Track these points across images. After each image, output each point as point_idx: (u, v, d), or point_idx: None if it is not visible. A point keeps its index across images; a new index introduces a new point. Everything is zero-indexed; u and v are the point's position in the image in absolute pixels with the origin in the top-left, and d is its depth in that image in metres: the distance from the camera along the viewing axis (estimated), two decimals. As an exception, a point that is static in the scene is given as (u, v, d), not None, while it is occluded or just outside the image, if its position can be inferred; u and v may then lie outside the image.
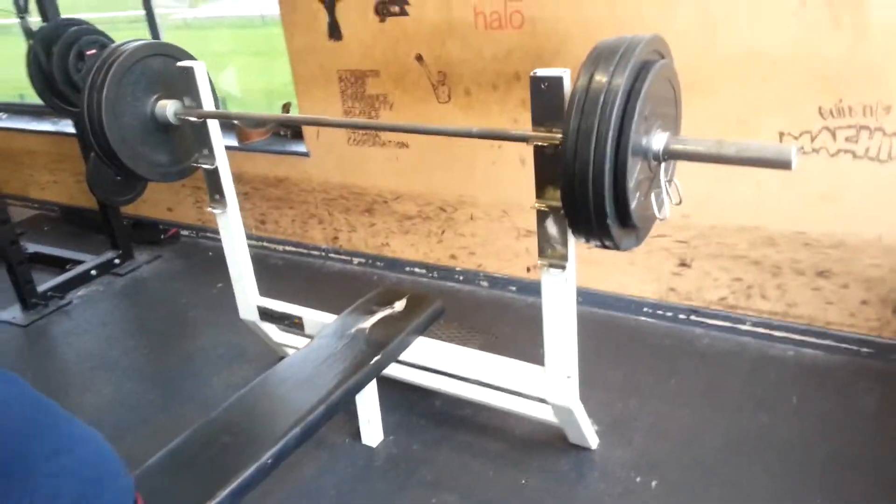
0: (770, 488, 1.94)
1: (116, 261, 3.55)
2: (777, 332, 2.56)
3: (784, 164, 1.37)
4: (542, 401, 2.06)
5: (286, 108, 3.51)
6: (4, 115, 4.55)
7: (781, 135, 2.30)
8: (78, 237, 4.00)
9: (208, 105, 2.22)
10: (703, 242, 2.59)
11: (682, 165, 1.65)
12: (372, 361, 1.95)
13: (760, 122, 2.31)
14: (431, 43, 2.78)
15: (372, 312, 2.19)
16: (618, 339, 2.69)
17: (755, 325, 2.59)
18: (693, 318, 2.70)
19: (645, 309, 2.79)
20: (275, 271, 3.47)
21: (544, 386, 1.97)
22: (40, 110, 4.17)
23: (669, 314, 2.75)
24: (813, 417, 2.19)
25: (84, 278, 3.43)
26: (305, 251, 3.59)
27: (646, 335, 2.70)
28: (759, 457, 2.05)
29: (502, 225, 2.97)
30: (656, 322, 2.77)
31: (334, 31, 2.98)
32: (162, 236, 3.90)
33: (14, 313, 3.17)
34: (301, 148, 3.36)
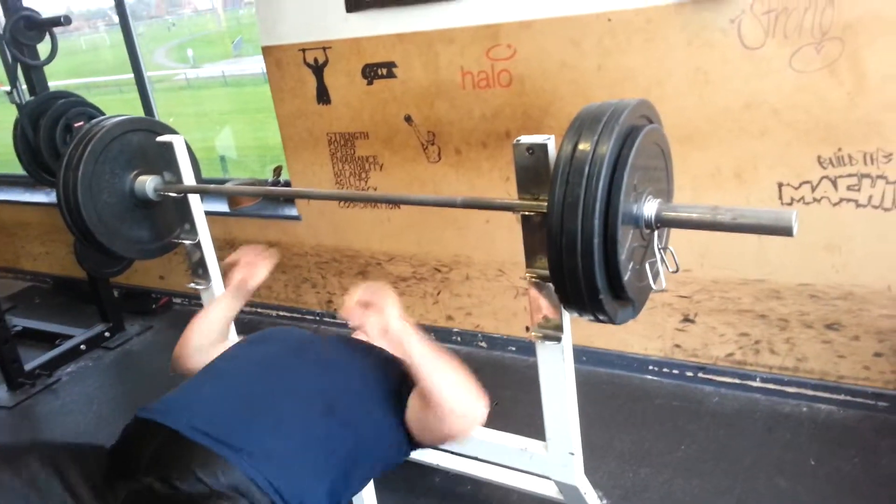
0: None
1: (107, 334, 3.47)
2: (789, 388, 2.45)
3: (784, 231, 1.29)
4: (546, 476, 1.95)
5: (277, 171, 3.47)
6: (-4, 187, 4.53)
7: (780, 185, 2.23)
8: (70, 309, 3.92)
9: (189, 179, 2.17)
10: (706, 297, 2.50)
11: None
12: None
13: (758, 173, 2.25)
14: (420, 104, 2.74)
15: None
16: (623, 400, 2.58)
17: (765, 381, 2.49)
18: (701, 375, 2.60)
19: (650, 367, 2.69)
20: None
21: (546, 463, 1.86)
22: (32, 181, 4.14)
23: (676, 372, 2.64)
24: (833, 480, 2.07)
25: (73, 353, 3.34)
26: (300, 316, 3.51)
27: (652, 395, 2.59)
28: (779, 527, 1.93)
29: (499, 284, 2.89)
30: (662, 381, 2.66)
31: (323, 95, 2.95)
32: (154, 306, 3.82)
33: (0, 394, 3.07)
34: (293, 212, 3.31)
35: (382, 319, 1.51)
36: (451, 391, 1.48)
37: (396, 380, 1.63)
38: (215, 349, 1.81)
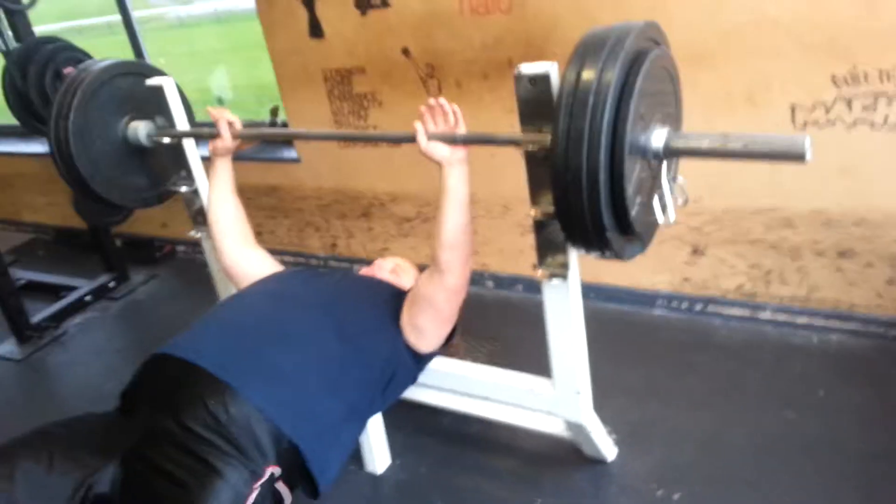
0: (801, 492, 1.82)
1: (111, 284, 3.46)
2: (800, 319, 2.42)
3: (797, 157, 1.23)
4: (554, 414, 1.94)
5: (274, 111, 3.37)
6: (-8, 139, 4.46)
7: (793, 108, 2.15)
8: (73, 260, 3.89)
9: (182, 123, 2.10)
10: (716, 228, 2.44)
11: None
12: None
13: (770, 94, 2.16)
14: (417, 34, 2.64)
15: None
16: (631, 335, 2.56)
17: (776, 311, 2.45)
18: (710, 308, 2.57)
19: (658, 301, 2.66)
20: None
21: (553, 402, 1.85)
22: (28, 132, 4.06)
23: (685, 305, 2.61)
24: (843, 410, 2.05)
25: (79, 305, 3.34)
26: (304, 260, 3.48)
27: (661, 330, 2.57)
28: (788, 458, 1.92)
29: (504, 221, 2.84)
30: (671, 315, 2.63)
31: (315, 29, 2.84)
32: (157, 254, 3.80)
33: (9, 347, 3.08)
34: (292, 154, 3.24)
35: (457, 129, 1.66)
36: (459, 227, 1.70)
37: (394, 303, 1.83)
38: (239, 229, 2.01)
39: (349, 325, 1.70)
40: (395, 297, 1.88)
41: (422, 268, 1.90)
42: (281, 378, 1.51)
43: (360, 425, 1.73)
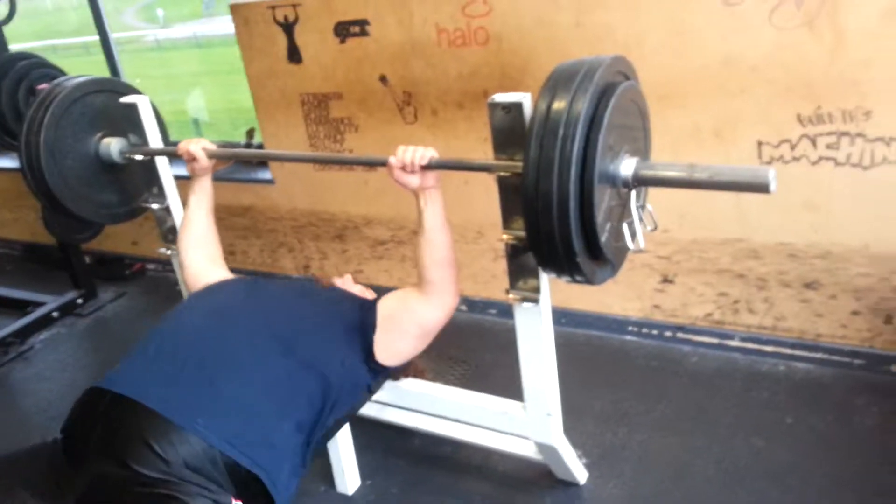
0: (767, 519, 1.84)
1: (79, 301, 3.41)
2: (767, 347, 2.46)
3: (761, 188, 1.27)
4: (525, 437, 1.95)
5: (250, 133, 3.39)
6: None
7: (760, 144, 2.21)
8: (41, 276, 3.84)
9: (155, 141, 2.10)
10: (685, 257, 2.49)
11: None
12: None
13: (738, 132, 2.22)
14: (395, 63, 2.67)
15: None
16: (602, 361, 2.59)
17: (744, 340, 2.49)
18: (679, 335, 2.60)
19: (629, 328, 2.69)
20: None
21: (525, 424, 1.86)
22: (-2, 146, 4.01)
23: (655, 332, 2.65)
24: (809, 438, 2.09)
25: (45, 321, 3.29)
26: (277, 281, 3.47)
27: (631, 356, 2.59)
28: (755, 484, 1.95)
29: (478, 246, 2.86)
30: (641, 341, 2.66)
31: (294, 54, 2.86)
32: (127, 272, 3.76)
33: (-28, 362, 3.02)
34: (266, 175, 3.24)
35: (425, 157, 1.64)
36: (443, 251, 1.69)
37: (358, 314, 1.75)
38: (207, 246, 1.97)
39: (294, 339, 1.62)
40: (356, 308, 1.80)
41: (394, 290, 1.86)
42: (228, 407, 1.42)
43: (315, 439, 1.63)
